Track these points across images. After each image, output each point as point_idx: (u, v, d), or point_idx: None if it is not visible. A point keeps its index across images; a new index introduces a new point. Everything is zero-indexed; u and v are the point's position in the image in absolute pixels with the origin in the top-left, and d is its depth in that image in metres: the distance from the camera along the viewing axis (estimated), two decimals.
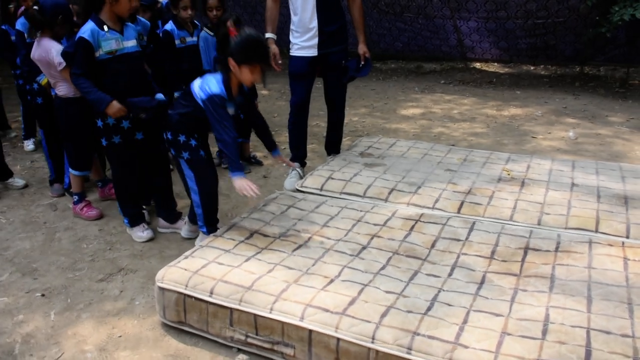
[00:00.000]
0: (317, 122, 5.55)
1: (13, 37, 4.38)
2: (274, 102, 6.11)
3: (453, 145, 4.36)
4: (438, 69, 8.12)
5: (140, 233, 3.39)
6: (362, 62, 3.84)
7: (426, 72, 8.08)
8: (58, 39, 3.47)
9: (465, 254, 2.49)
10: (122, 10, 2.98)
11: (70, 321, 2.67)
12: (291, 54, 3.88)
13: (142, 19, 3.23)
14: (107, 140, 3.22)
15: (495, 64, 8.09)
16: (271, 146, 3.12)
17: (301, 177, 3.80)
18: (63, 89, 3.53)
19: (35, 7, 3.46)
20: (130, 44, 3.11)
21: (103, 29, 2.98)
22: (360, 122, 5.63)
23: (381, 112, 6.04)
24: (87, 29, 2.95)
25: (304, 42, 3.77)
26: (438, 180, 3.31)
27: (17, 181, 4.41)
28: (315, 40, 3.74)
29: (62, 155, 4.21)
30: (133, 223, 3.43)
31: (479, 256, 2.47)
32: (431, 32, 7.89)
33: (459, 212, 2.95)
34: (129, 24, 3.17)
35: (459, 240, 2.62)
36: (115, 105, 3.05)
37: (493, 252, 2.50)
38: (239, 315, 2.17)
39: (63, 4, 3.49)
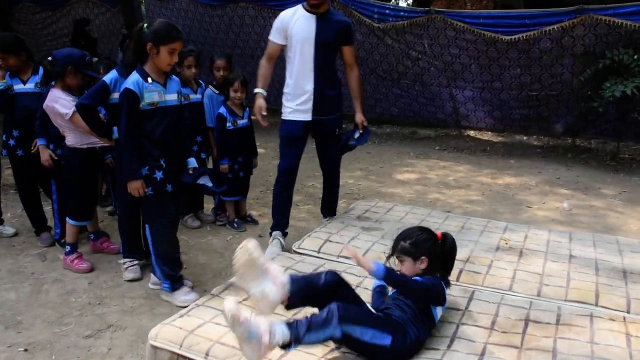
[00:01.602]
0: (313, 183, 5.57)
1: None
2: (269, 161, 6.15)
3: (449, 212, 4.37)
4: (433, 135, 8.26)
5: (185, 297, 3.18)
6: (360, 131, 3.84)
7: (421, 137, 8.22)
8: (69, 90, 3.52)
9: (465, 324, 2.44)
10: (162, 63, 3.02)
11: None
12: (283, 117, 3.83)
13: (175, 77, 3.27)
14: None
15: (489, 132, 8.25)
16: None
17: (283, 247, 3.72)
18: (71, 139, 3.55)
19: (49, 58, 3.53)
20: (172, 97, 3.14)
21: (147, 81, 3.02)
22: (356, 185, 5.66)
23: (377, 175, 6.09)
24: (132, 80, 3.01)
25: (298, 105, 3.74)
26: None
27: (7, 229, 4.36)
28: (310, 105, 3.71)
29: (39, 205, 4.19)
30: (174, 287, 3.24)
31: (479, 327, 2.42)
32: (427, 99, 8.08)
33: (457, 280, 2.92)
34: (174, 77, 3.22)
35: (458, 310, 2.57)
36: (138, 184, 3.06)
37: (493, 323, 2.45)
38: None
39: (76, 55, 3.57)
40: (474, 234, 3.55)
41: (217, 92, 4.38)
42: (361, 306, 2.27)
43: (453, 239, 2.46)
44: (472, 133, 8.22)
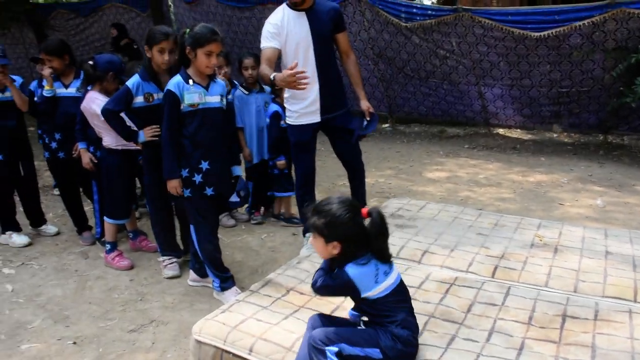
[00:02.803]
0: (344, 182, 5.60)
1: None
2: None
3: (481, 209, 4.37)
4: (462, 134, 8.23)
5: (234, 298, 3.16)
6: (368, 118, 3.65)
7: (450, 136, 8.20)
8: (106, 93, 3.64)
9: (503, 319, 2.47)
10: (201, 66, 3.09)
11: None
12: (290, 123, 3.72)
13: (220, 81, 3.34)
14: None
15: (519, 130, 8.18)
16: None
17: None
18: (107, 140, 3.67)
19: (90, 62, 3.66)
20: (214, 99, 3.20)
21: (188, 83, 3.11)
22: (387, 184, 5.68)
23: (407, 174, 6.11)
24: (174, 82, 3.11)
25: (304, 109, 3.61)
26: (470, 243, 3.31)
27: (50, 228, 4.51)
28: (317, 105, 3.60)
29: (80, 205, 4.33)
30: (226, 287, 3.29)
31: (517, 322, 2.44)
32: (455, 98, 8.06)
33: (493, 276, 2.93)
34: (218, 81, 3.28)
35: (494, 305, 2.60)
36: (175, 184, 3.16)
37: (530, 318, 2.47)
38: None
39: (116, 62, 3.69)
40: (508, 230, 3.55)
41: (246, 92, 4.45)
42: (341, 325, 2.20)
43: (381, 217, 2.05)
44: (501, 131, 8.17)
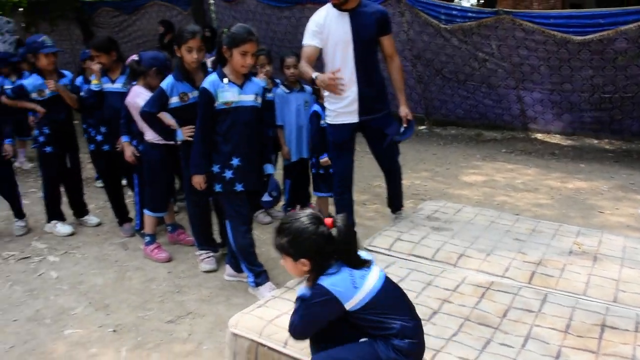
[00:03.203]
0: (380, 183, 5.61)
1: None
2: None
3: (518, 215, 4.32)
4: (499, 138, 8.13)
5: (269, 293, 3.16)
6: (405, 125, 3.60)
7: (487, 140, 8.10)
8: (150, 88, 3.74)
9: (539, 326, 2.45)
10: (236, 65, 3.15)
11: (140, 359, 2.75)
12: (329, 121, 3.72)
13: (256, 80, 3.38)
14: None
15: (558, 135, 8.03)
16: None
17: None
18: (149, 134, 3.76)
19: (135, 58, 3.77)
20: (248, 98, 3.26)
21: (223, 81, 3.18)
22: (422, 186, 5.67)
23: (443, 177, 6.07)
24: (209, 80, 3.19)
25: (342, 108, 3.60)
26: (507, 248, 3.28)
27: (92, 219, 4.65)
28: (355, 106, 3.57)
29: (122, 197, 4.46)
30: (259, 282, 3.33)
31: (553, 329, 2.42)
32: (494, 101, 7.97)
33: (530, 282, 2.91)
34: (254, 79, 3.35)
35: (531, 311, 2.58)
36: (199, 179, 3.26)
37: (568, 327, 2.44)
38: None
39: (160, 58, 3.78)
40: (545, 237, 3.51)
41: (287, 91, 4.49)
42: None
43: (347, 226, 1.97)
44: (539, 136, 8.04)
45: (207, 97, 3.17)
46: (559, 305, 2.63)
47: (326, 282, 1.90)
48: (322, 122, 4.18)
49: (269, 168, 3.49)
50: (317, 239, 1.90)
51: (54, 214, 4.45)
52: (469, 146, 7.73)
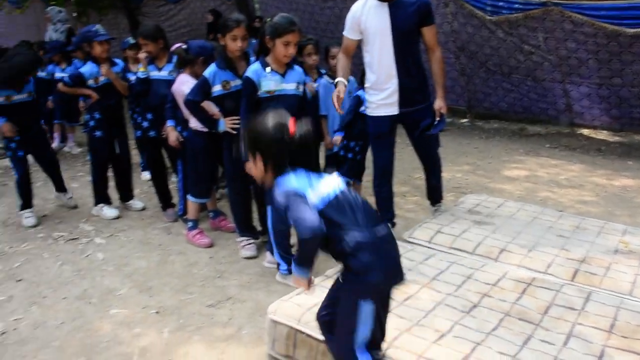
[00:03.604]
0: (420, 175, 5.56)
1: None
2: None
3: (562, 211, 4.23)
4: (543, 132, 7.94)
5: None
6: (438, 119, 3.56)
7: (530, 134, 7.93)
8: (196, 77, 3.81)
9: (582, 325, 2.41)
10: (279, 55, 3.21)
11: (182, 340, 2.83)
12: (369, 113, 3.71)
13: (298, 69, 3.42)
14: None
15: (605, 131, 7.79)
16: None
17: None
18: (194, 122, 3.84)
19: (183, 46, 3.85)
20: (290, 87, 3.33)
21: (265, 70, 3.24)
22: (464, 179, 5.60)
23: (484, 170, 5.98)
24: (252, 69, 3.25)
25: (382, 100, 3.58)
26: (550, 245, 3.23)
27: (137, 203, 4.78)
28: (396, 97, 3.54)
29: (166, 183, 4.57)
30: (290, 270, 3.31)
31: (597, 328, 2.38)
32: (538, 95, 7.78)
33: (573, 280, 2.86)
34: (296, 68, 3.41)
35: (574, 309, 2.54)
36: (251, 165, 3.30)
37: (612, 326, 2.40)
38: None
39: (207, 47, 3.85)
40: (590, 234, 3.43)
41: (331, 81, 4.48)
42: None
43: (307, 130, 2.01)
44: (585, 131, 7.81)
45: (251, 85, 3.23)
46: (603, 304, 2.58)
47: (283, 180, 1.97)
48: (362, 107, 4.15)
49: None
50: (276, 137, 1.97)
51: (101, 197, 4.60)
52: (512, 140, 7.58)
